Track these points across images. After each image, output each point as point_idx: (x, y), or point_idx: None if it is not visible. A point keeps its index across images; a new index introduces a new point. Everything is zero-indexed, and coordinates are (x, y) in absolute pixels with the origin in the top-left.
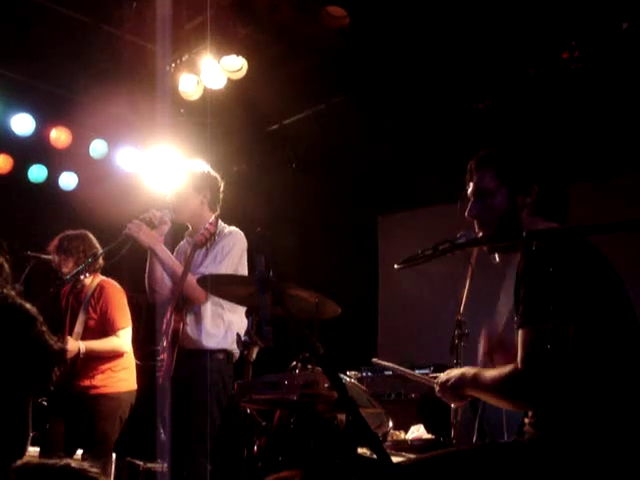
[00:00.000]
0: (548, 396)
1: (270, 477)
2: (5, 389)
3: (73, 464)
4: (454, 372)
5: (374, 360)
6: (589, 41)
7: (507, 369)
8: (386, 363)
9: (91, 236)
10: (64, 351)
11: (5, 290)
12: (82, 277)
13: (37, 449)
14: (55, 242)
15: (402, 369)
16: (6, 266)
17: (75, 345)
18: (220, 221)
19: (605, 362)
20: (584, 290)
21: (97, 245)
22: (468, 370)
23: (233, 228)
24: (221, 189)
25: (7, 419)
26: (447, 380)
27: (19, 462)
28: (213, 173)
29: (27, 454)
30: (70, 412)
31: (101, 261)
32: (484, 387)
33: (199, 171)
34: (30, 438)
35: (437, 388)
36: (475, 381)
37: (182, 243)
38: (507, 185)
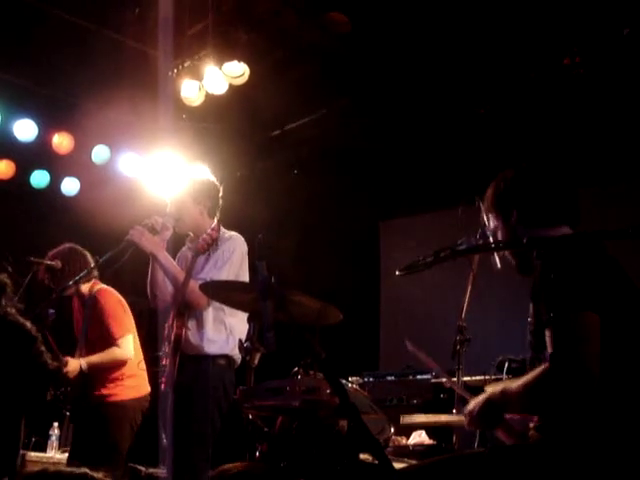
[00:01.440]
0: (582, 392)
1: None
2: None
3: (91, 473)
4: (480, 398)
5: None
6: (590, 47)
7: (538, 371)
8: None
9: (75, 247)
10: (59, 370)
11: (8, 309)
12: (79, 286)
13: (40, 454)
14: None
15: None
16: (9, 284)
17: (75, 365)
18: (219, 226)
19: (614, 364)
20: (601, 291)
21: (84, 252)
22: (494, 389)
23: (233, 233)
24: (220, 194)
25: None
26: (473, 409)
27: (36, 469)
28: (211, 180)
29: (31, 458)
30: (81, 421)
31: (94, 270)
32: (515, 397)
33: (196, 181)
34: (20, 454)
35: (466, 420)
36: (504, 396)
37: (183, 249)
38: (502, 216)
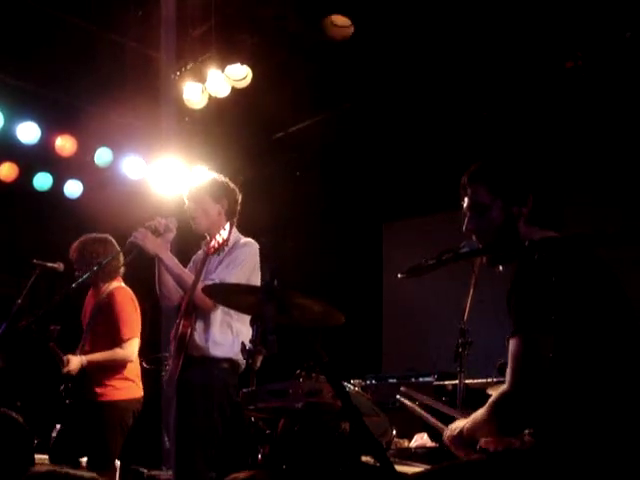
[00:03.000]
0: (541, 408)
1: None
2: None
3: (99, 477)
4: (453, 428)
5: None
6: (593, 50)
7: (499, 391)
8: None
9: (112, 241)
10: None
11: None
12: (100, 282)
13: (44, 456)
14: (75, 244)
15: (424, 414)
16: None
17: (77, 362)
18: (236, 230)
19: (605, 371)
20: (580, 299)
21: (117, 249)
22: (466, 421)
23: (249, 239)
24: (239, 202)
25: None
26: (450, 439)
27: (44, 469)
28: (231, 184)
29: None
30: (73, 419)
31: (121, 268)
32: (482, 423)
33: (217, 180)
34: None
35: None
36: (474, 426)
37: (199, 253)
38: (501, 198)
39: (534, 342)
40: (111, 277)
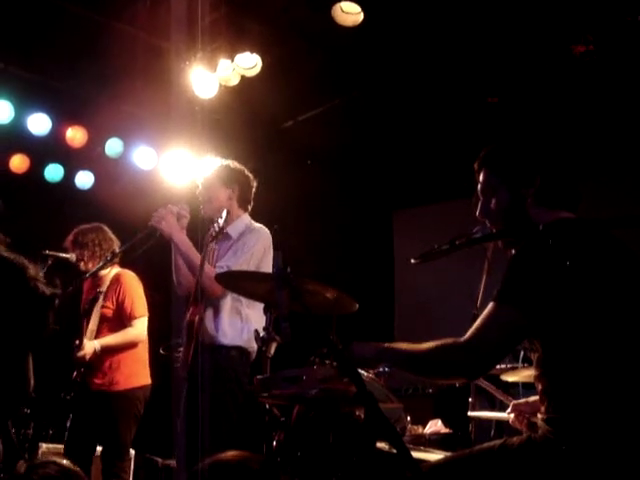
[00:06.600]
0: (553, 393)
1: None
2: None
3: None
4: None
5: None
6: (604, 34)
7: (453, 339)
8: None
9: (106, 228)
10: (57, 296)
11: None
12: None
13: (58, 445)
14: (70, 237)
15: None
16: None
17: (90, 347)
18: (248, 217)
19: (622, 358)
20: (595, 284)
21: (112, 237)
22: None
23: (260, 226)
24: (253, 189)
25: (4, 371)
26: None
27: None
28: (246, 172)
29: (49, 449)
30: (86, 409)
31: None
32: (418, 353)
33: (228, 166)
34: (31, 390)
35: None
36: (410, 352)
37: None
38: (507, 180)
39: (506, 315)
40: (112, 263)
